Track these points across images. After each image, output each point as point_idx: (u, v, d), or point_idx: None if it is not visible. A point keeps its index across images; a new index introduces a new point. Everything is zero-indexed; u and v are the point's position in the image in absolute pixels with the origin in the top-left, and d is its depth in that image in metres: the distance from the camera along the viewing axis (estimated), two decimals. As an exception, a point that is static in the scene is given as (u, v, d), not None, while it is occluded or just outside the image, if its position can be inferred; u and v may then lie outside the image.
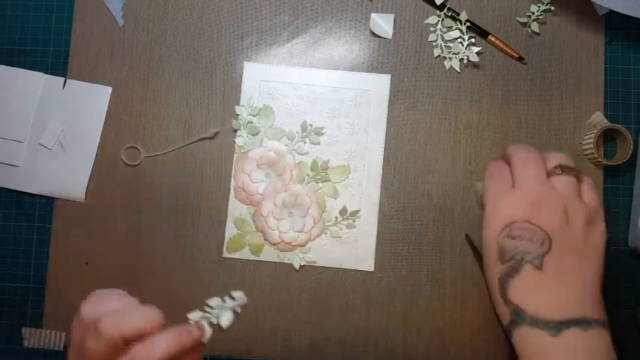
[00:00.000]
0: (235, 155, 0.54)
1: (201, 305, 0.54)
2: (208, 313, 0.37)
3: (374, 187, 0.54)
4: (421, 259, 0.53)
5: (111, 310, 0.33)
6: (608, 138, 0.55)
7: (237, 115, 0.55)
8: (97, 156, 0.55)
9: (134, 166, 0.55)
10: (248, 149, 0.54)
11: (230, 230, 0.54)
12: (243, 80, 0.55)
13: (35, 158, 0.54)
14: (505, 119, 0.55)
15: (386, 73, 0.55)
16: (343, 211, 0.54)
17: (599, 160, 0.52)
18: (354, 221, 0.54)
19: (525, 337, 0.37)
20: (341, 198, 0.54)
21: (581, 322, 0.36)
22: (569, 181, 0.40)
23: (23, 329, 0.53)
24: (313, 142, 0.54)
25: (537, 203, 0.38)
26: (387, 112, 0.55)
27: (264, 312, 0.53)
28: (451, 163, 0.54)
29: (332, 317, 0.53)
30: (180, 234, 0.54)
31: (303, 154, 0.54)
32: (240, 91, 0.55)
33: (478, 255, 0.53)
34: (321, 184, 0.54)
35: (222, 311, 0.37)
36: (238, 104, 0.55)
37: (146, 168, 0.55)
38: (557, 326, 0.35)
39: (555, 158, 0.41)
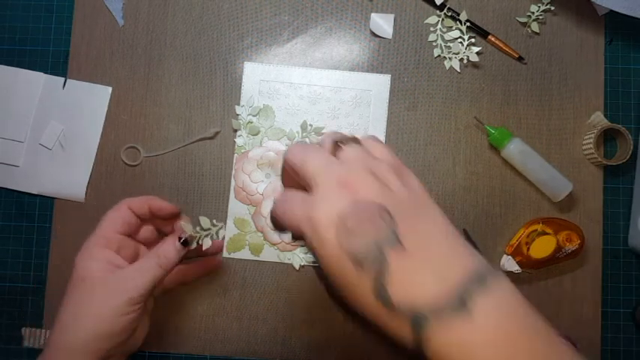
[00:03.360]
0: (235, 155, 0.54)
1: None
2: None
3: (374, 187, 0.54)
4: (421, 259, 0.53)
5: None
6: (608, 138, 0.55)
7: (238, 115, 0.55)
8: (97, 156, 0.55)
9: (134, 166, 0.55)
10: (248, 149, 0.54)
11: (230, 230, 0.54)
12: (243, 80, 0.55)
13: (35, 158, 0.54)
14: (505, 119, 0.55)
15: (386, 73, 0.55)
16: (343, 211, 0.53)
17: (599, 160, 0.52)
18: (354, 221, 0.53)
19: (441, 340, 0.28)
20: (341, 198, 0.54)
21: (475, 281, 0.28)
22: (355, 148, 0.34)
23: (23, 329, 0.53)
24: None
25: (345, 182, 0.31)
26: (387, 112, 0.55)
27: (264, 312, 0.53)
28: (451, 163, 0.54)
29: (332, 317, 0.53)
30: (181, 234, 0.54)
31: (303, 154, 0.54)
32: (240, 91, 0.55)
33: (477, 249, 0.53)
34: (321, 184, 0.54)
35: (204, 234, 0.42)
36: (238, 104, 0.55)
37: (146, 168, 0.55)
38: (461, 299, 0.28)
39: (329, 138, 0.34)
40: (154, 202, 0.44)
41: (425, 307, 0.28)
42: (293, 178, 0.34)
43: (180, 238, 0.41)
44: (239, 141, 0.54)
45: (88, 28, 0.56)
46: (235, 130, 0.54)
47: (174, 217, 0.45)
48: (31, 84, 0.55)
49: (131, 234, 0.45)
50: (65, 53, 0.56)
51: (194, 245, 0.42)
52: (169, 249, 0.41)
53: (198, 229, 0.42)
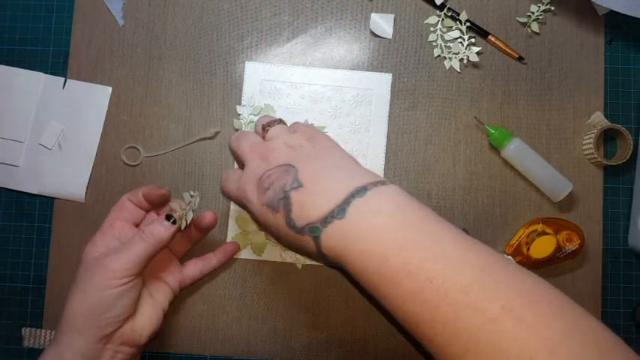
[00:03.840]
0: (235, 155, 0.54)
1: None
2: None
3: (374, 187, 0.54)
4: (421, 259, 0.53)
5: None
6: (608, 138, 0.55)
7: (239, 114, 0.55)
8: (97, 156, 0.54)
9: (134, 166, 0.55)
10: (248, 149, 0.54)
11: (233, 230, 0.54)
12: (244, 79, 0.55)
13: (35, 158, 0.54)
14: (505, 119, 0.55)
15: (386, 72, 0.55)
16: (343, 211, 0.53)
17: (599, 160, 0.52)
18: (354, 221, 0.53)
19: (329, 240, 0.39)
20: (341, 198, 0.54)
21: (355, 193, 0.39)
22: (277, 128, 0.47)
23: (23, 329, 0.53)
24: (313, 142, 0.54)
25: (264, 156, 0.44)
26: (388, 110, 0.55)
27: (264, 312, 0.53)
28: (451, 163, 0.54)
29: (332, 317, 0.53)
30: (181, 234, 0.54)
31: (303, 154, 0.54)
32: (240, 91, 0.55)
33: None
34: (321, 184, 0.54)
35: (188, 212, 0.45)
36: (239, 104, 0.55)
37: (146, 168, 0.55)
38: (341, 208, 0.38)
39: (259, 123, 0.48)
40: (144, 188, 0.47)
41: (317, 220, 0.39)
42: (240, 160, 0.47)
43: (167, 216, 0.44)
44: (239, 141, 0.54)
45: (88, 28, 0.56)
46: (237, 130, 0.54)
47: (166, 199, 0.48)
48: (31, 84, 0.55)
49: (135, 222, 0.48)
50: (65, 53, 0.56)
51: (184, 224, 0.44)
52: (155, 225, 0.43)
53: (183, 206, 0.45)
